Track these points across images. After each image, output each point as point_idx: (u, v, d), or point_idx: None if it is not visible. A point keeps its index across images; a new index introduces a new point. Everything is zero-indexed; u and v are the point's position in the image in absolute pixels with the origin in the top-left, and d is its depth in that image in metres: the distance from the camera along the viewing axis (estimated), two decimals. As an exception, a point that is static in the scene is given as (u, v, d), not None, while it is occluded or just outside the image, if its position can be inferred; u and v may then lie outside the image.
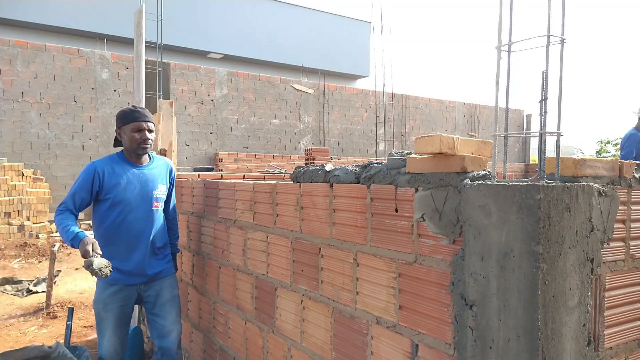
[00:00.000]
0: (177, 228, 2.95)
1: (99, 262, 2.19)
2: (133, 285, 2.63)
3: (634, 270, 1.35)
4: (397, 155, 1.60)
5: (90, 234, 2.43)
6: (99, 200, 2.57)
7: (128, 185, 2.57)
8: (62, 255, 7.25)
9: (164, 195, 2.75)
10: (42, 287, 5.44)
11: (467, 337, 1.25)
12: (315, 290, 1.88)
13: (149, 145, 2.61)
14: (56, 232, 8.74)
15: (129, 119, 2.58)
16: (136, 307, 3.84)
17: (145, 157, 2.70)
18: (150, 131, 2.62)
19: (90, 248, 2.22)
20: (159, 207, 2.71)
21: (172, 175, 2.85)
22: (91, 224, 9.67)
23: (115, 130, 2.68)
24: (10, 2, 13.12)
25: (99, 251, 2.27)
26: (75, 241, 2.30)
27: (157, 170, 2.73)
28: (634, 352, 1.35)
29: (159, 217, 2.72)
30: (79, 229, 2.39)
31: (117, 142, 2.73)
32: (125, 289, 2.61)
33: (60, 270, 6.19)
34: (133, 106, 2.68)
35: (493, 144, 1.37)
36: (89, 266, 2.18)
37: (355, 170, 1.70)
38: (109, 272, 2.21)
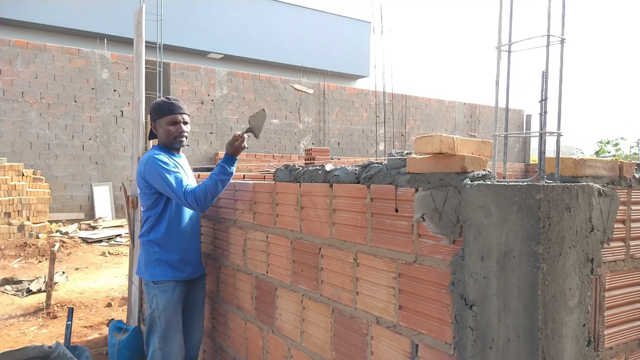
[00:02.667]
0: None
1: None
2: (185, 282, 2.56)
3: (634, 270, 1.35)
4: (397, 155, 1.60)
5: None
6: (159, 192, 2.47)
7: (184, 175, 2.52)
8: (62, 255, 7.25)
9: None
10: (43, 287, 5.44)
11: (467, 337, 1.25)
12: (315, 290, 1.88)
13: (184, 138, 2.58)
14: (56, 232, 8.74)
15: (165, 111, 2.53)
16: (136, 306, 3.84)
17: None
18: (186, 123, 2.58)
19: (234, 136, 2.36)
20: None
21: None
22: (91, 224, 9.58)
23: (150, 124, 2.62)
24: (10, 2, 13.12)
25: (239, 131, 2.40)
26: (224, 160, 2.35)
27: (186, 162, 2.74)
28: (634, 352, 1.35)
29: None
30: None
31: (151, 135, 2.69)
32: (183, 287, 2.54)
33: (64, 272, 6.18)
34: (167, 98, 2.60)
35: (493, 144, 1.37)
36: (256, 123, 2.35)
37: (355, 170, 1.70)
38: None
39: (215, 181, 2.32)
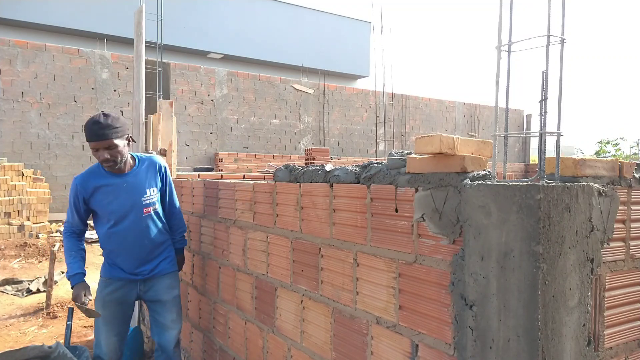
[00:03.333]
0: (180, 222, 2.86)
1: (89, 308, 2.44)
2: (133, 281, 2.63)
3: (634, 270, 1.35)
4: (397, 155, 1.60)
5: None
6: (92, 211, 2.61)
7: (112, 197, 2.52)
8: (62, 255, 7.24)
9: (155, 198, 2.64)
10: (43, 287, 5.44)
11: (467, 337, 1.25)
12: (315, 290, 1.88)
13: (112, 164, 2.42)
14: (56, 232, 8.74)
15: (86, 137, 2.39)
16: (136, 307, 3.84)
17: (128, 163, 2.56)
18: (109, 148, 2.37)
19: (82, 294, 2.45)
20: (151, 211, 2.62)
21: (164, 172, 2.72)
22: (91, 224, 9.70)
23: None
24: (10, 2, 13.12)
25: (90, 297, 2.49)
26: (72, 281, 2.49)
27: (144, 174, 2.61)
28: (634, 352, 1.35)
29: (153, 222, 2.64)
30: (80, 263, 2.54)
31: None
32: (125, 285, 2.62)
33: (63, 272, 6.18)
34: (91, 120, 2.38)
35: (493, 144, 1.37)
36: (82, 305, 2.44)
37: (355, 170, 1.70)
38: (97, 315, 2.48)
39: (67, 257, 2.56)
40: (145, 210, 2.60)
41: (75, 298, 2.44)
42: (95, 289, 2.69)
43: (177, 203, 2.86)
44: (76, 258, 2.54)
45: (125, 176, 2.56)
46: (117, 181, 2.54)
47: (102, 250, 2.67)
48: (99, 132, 2.34)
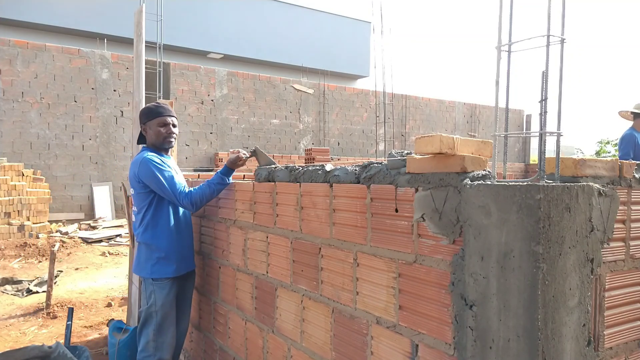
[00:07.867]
0: None
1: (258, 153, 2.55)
2: (181, 276, 2.70)
3: (634, 270, 1.35)
4: (397, 155, 1.60)
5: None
6: (154, 192, 2.58)
7: (177, 175, 2.66)
8: (62, 255, 7.24)
9: None
10: (43, 287, 5.44)
11: (467, 337, 1.25)
12: (315, 290, 1.88)
13: (173, 139, 2.69)
14: (56, 232, 8.74)
15: (154, 114, 2.64)
16: (136, 306, 3.83)
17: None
18: (175, 126, 2.70)
19: (238, 156, 2.53)
20: None
21: None
22: (91, 224, 9.57)
23: (140, 127, 2.70)
24: (10, 2, 13.12)
25: (245, 152, 2.59)
26: (223, 171, 2.52)
27: (175, 164, 2.83)
28: (634, 352, 1.35)
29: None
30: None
31: (141, 139, 2.78)
32: (179, 283, 2.68)
33: (61, 271, 6.18)
34: (157, 103, 2.73)
35: (493, 144, 1.37)
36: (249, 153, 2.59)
37: (355, 170, 1.70)
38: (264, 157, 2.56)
39: (213, 189, 2.52)
40: None
41: (238, 161, 2.54)
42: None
43: None
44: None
45: (170, 160, 2.73)
46: (169, 163, 2.67)
47: (153, 251, 2.60)
48: (169, 108, 2.68)
